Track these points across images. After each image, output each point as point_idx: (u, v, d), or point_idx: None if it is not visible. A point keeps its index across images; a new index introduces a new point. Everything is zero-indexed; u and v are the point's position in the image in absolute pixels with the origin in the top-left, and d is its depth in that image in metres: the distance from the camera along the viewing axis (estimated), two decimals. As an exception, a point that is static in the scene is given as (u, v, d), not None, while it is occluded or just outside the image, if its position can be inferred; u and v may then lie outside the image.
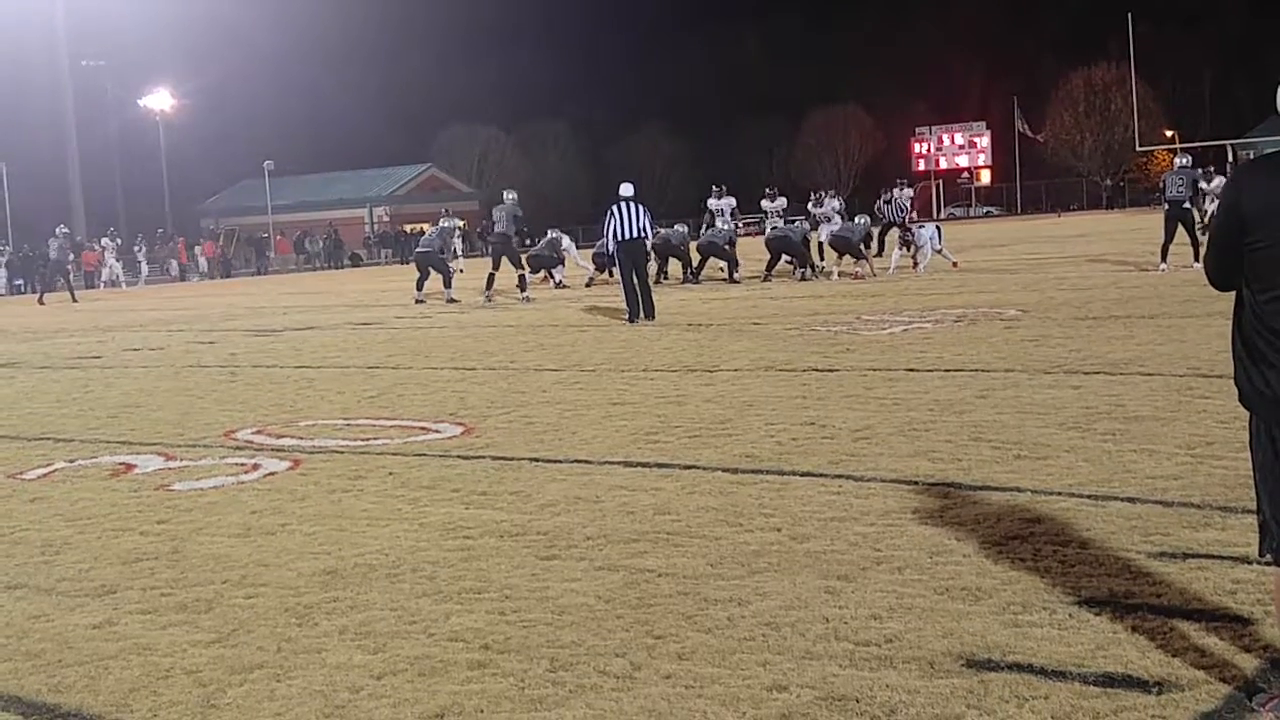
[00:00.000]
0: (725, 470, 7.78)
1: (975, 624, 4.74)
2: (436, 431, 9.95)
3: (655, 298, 19.56)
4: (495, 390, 12.24)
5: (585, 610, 5.20)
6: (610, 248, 19.60)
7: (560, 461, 8.43)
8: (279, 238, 71.41)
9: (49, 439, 10.76)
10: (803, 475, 7.49)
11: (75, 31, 72.09)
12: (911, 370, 11.68)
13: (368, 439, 9.81)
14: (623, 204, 18.79)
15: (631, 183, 19.45)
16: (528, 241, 43.91)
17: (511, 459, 8.62)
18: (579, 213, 78.74)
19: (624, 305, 19.22)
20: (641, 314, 18.59)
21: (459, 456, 8.84)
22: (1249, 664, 4.20)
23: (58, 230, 45.22)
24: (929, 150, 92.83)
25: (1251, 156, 35.16)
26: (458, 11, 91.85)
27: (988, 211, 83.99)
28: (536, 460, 8.52)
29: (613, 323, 19.21)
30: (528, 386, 12.39)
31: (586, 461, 8.35)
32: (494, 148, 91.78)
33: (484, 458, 8.72)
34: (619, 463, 8.24)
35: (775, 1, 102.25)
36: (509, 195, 26.07)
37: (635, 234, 18.64)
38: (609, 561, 5.90)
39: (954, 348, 13.19)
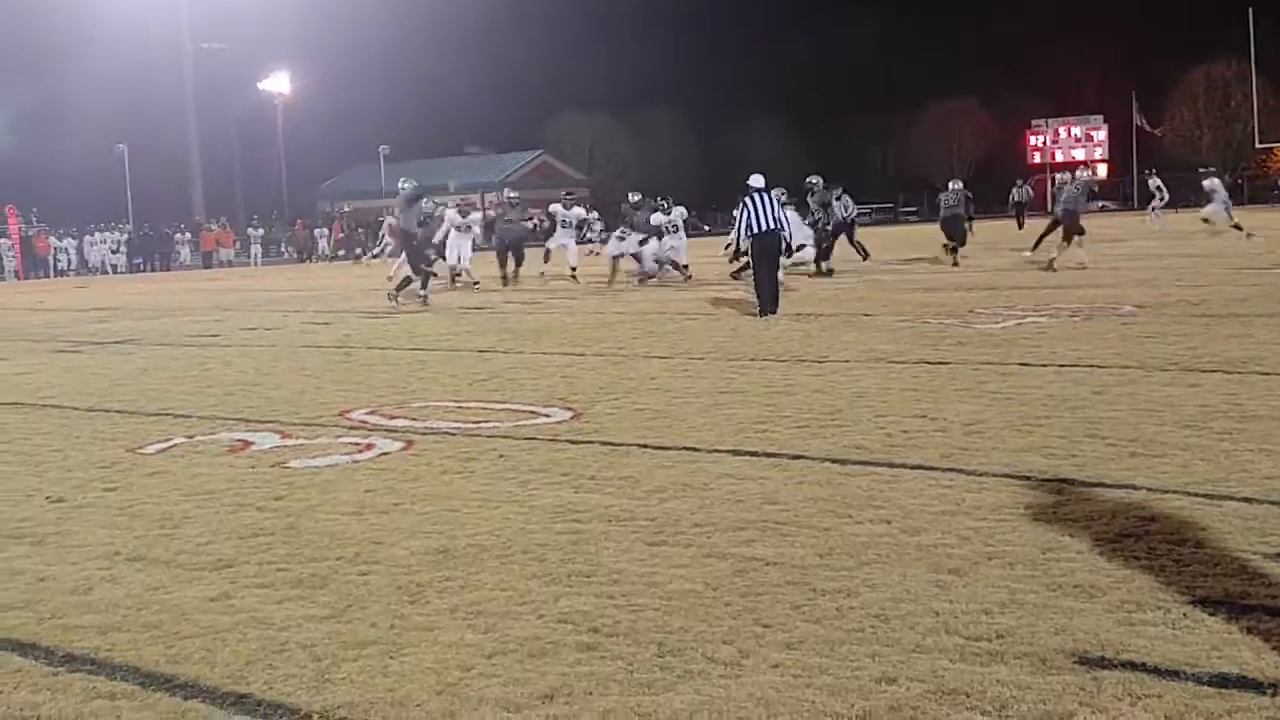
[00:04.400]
0: (834, 461, 7.74)
1: (1088, 621, 4.68)
2: (546, 416, 10.02)
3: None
4: (604, 376, 12.29)
5: (693, 597, 5.21)
6: (743, 240, 19.03)
7: (668, 448, 8.44)
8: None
9: (168, 415, 10.99)
10: (913, 468, 7.44)
11: (196, 16, 73.49)
12: (1025, 365, 11.54)
13: (478, 422, 9.90)
14: (756, 195, 18.33)
15: (762, 174, 18.81)
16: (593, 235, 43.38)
17: (620, 445, 8.65)
18: (688, 201, 78.62)
19: (754, 297, 18.53)
20: (770, 309, 17.92)
21: (568, 441, 8.89)
22: (1371, 670, 4.10)
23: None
24: (1044, 144, 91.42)
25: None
26: (566, 1, 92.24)
27: (1102, 206, 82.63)
28: (645, 447, 8.55)
29: (721, 311, 19.18)
30: (636, 373, 12.43)
31: (694, 449, 8.36)
32: (604, 135, 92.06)
33: (593, 443, 8.77)
34: (727, 451, 8.23)
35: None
36: (405, 184, 23.55)
37: (770, 225, 18.05)
38: (716, 549, 5.90)
39: (1069, 343, 13.00)
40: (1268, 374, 10.23)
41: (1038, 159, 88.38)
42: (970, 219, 29.98)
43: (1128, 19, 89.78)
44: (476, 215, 25.69)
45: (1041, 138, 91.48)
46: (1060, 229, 25.45)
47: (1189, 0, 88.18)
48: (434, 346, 16.08)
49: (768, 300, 17.94)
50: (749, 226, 18.02)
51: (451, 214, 27.06)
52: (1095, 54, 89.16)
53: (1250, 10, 67.42)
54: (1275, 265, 22.09)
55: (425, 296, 23.16)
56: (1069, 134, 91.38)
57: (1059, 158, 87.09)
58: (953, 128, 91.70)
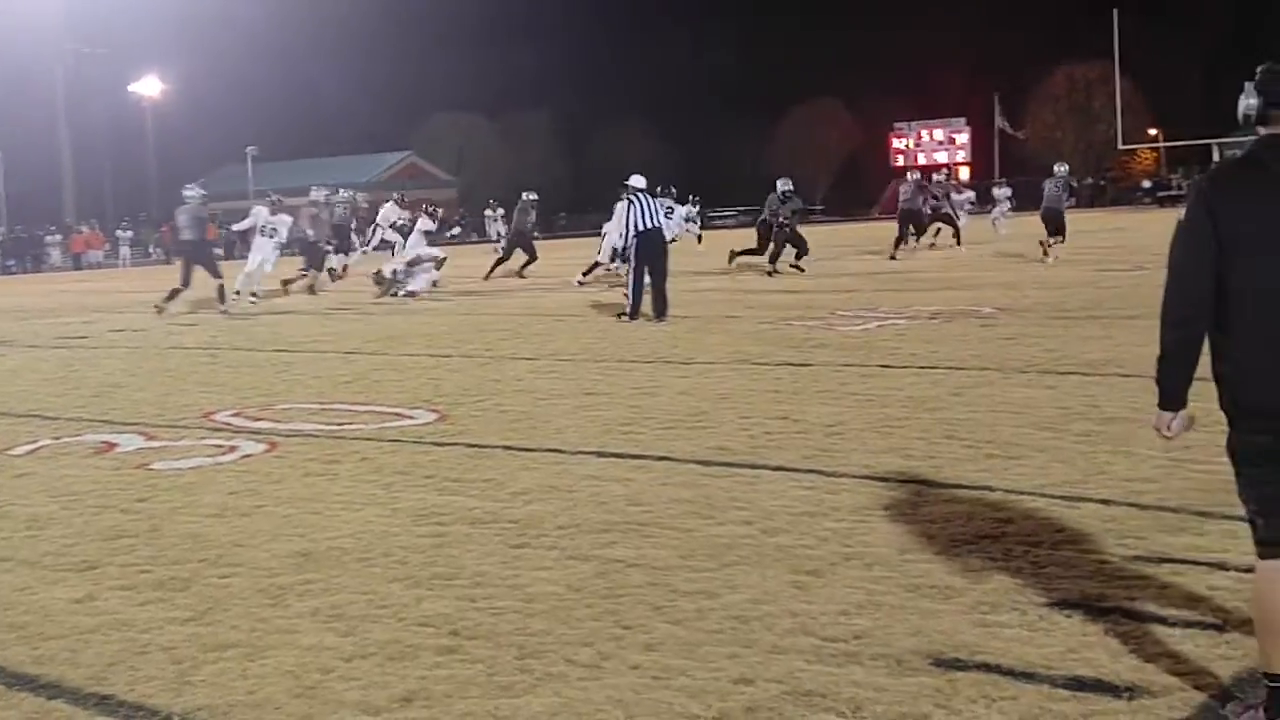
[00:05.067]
0: (698, 462, 7.78)
1: (944, 622, 4.75)
2: (410, 418, 9.94)
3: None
4: (470, 378, 12.23)
5: (555, 599, 5.20)
6: (629, 239, 18.19)
7: (533, 450, 8.42)
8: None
9: (36, 416, 10.86)
10: (775, 469, 7.50)
11: (69, 20, 72.15)
12: (885, 367, 11.70)
13: (343, 424, 9.81)
14: (639, 195, 18.06)
15: (642, 174, 18.58)
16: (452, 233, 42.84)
17: (484, 447, 8.61)
18: (558, 203, 78.72)
19: (630, 299, 17.81)
20: (654, 313, 17.41)
21: (432, 443, 8.83)
22: (1223, 671, 4.21)
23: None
24: (908, 146, 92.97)
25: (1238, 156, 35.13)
26: (442, 2, 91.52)
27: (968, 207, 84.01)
28: (509, 448, 8.52)
29: (590, 314, 19.19)
30: (502, 375, 12.39)
31: (559, 451, 8.35)
32: (475, 137, 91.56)
33: (457, 445, 8.72)
34: (592, 453, 8.24)
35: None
36: (191, 192, 22.66)
37: (655, 224, 17.80)
38: (579, 551, 5.90)
39: (928, 345, 13.22)
40: (1126, 376, 10.47)
41: (901, 161, 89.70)
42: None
43: (991, 21, 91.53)
44: (286, 218, 23.74)
45: (905, 140, 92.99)
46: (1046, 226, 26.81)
47: (1052, 2, 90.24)
48: (299, 348, 15.87)
49: (639, 302, 17.62)
50: (635, 225, 17.80)
51: (260, 210, 24.11)
52: (959, 56, 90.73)
53: (1115, 11, 68.80)
54: (1135, 267, 22.68)
55: (225, 309, 21.84)
56: (932, 136, 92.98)
57: (922, 160, 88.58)
58: (818, 130, 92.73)
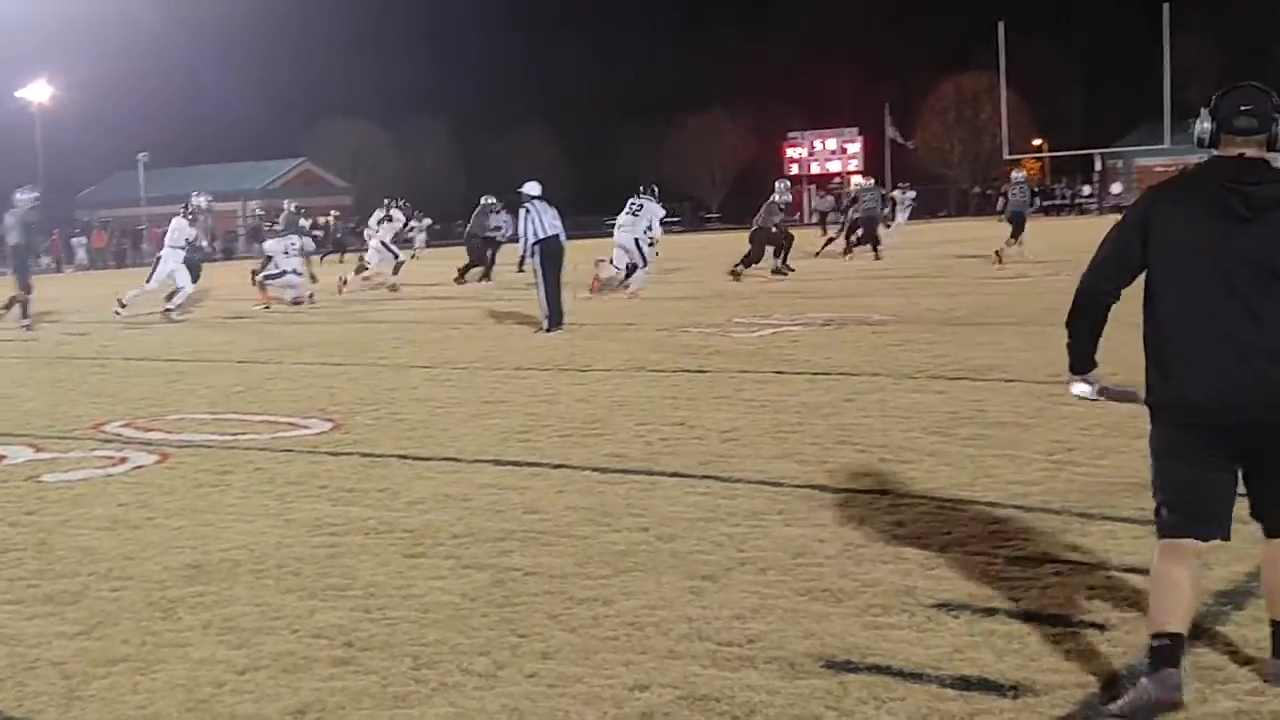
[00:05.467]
0: (595, 470, 7.81)
1: (836, 625, 4.82)
2: (305, 427, 9.86)
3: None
4: (365, 386, 12.14)
5: (450, 608, 5.19)
6: (528, 247, 17.74)
7: (429, 459, 8.40)
8: (156, 230, 69.98)
9: (-81, 429, 10.55)
10: (671, 476, 7.55)
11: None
12: (780, 373, 11.82)
13: (235, 434, 9.70)
14: (536, 203, 17.85)
15: (538, 181, 18.24)
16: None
17: (380, 456, 8.57)
18: (455, 211, 78.27)
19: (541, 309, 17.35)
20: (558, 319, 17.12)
21: (327, 453, 8.77)
22: (1104, 669, 4.31)
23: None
24: (802, 155, 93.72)
25: (1119, 167, 36.11)
26: (336, 6, 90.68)
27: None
28: (405, 457, 8.48)
29: (487, 322, 19.13)
30: (398, 383, 12.32)
31: (456, 459, 8.33)
32: (368, 143, 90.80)
33: (352, 454, 8.67)
34: (489, 461, 8.23)
35: (652, 6, 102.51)
36: (23, 195, 21.67)
37: (552, 231, 17.42)
38: (475, 560, 5.89)
39: (822, 351, 13.36)
40: (1011, 381, 10.68)
41: (795, 170, 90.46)
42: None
43: (882, 32, 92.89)
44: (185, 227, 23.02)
45: (799, 149, 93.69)
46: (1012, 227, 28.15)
47: (941, 14, 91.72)
48: (191, 358, 15.65)
49: (555, 311, 17.18)
50: (534, 233, 17.50)
51: (180, 222, 22.62)
52: (851, 67, 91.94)
53: (1001, 25, 70.32)
54: (1020, 275, 23.10)
55: (28, 325, 20.88)
56: (824, 146, 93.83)
57: (815, 169, 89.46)
58: (713, 139, 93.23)
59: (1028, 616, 4.84)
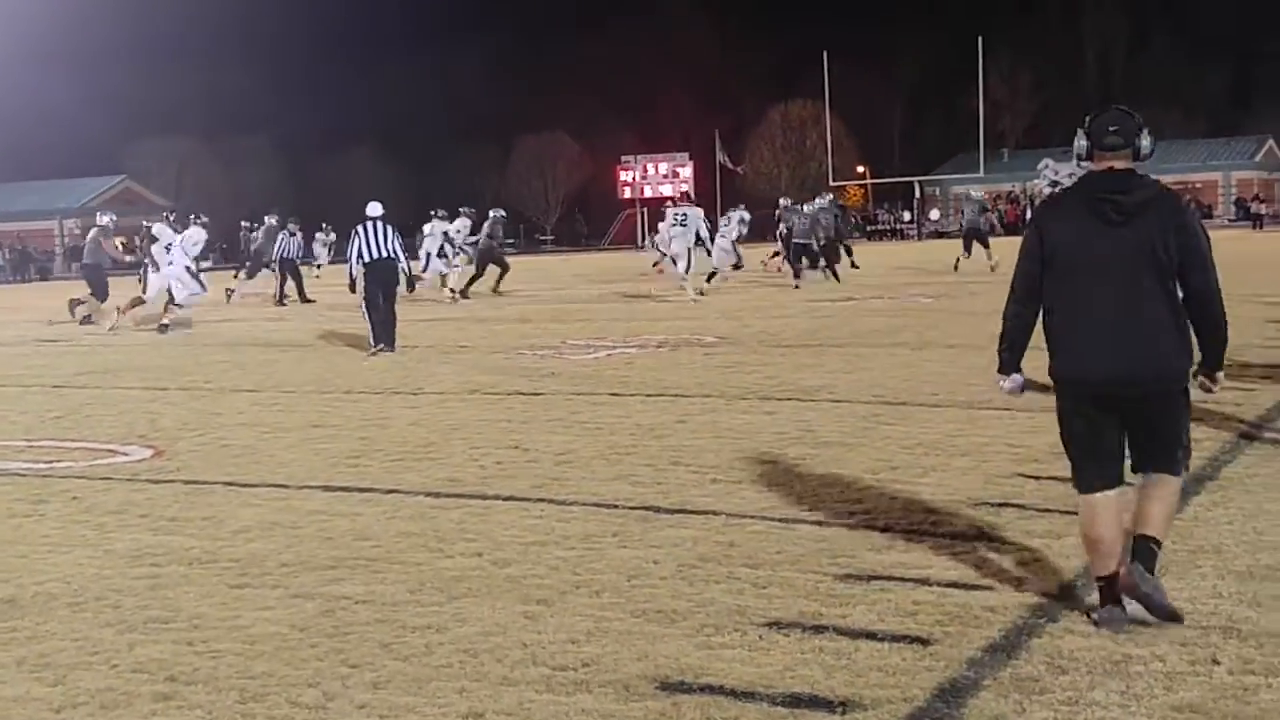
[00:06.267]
0: (428, 495, 7.73)
1: (670, 646, 4.83)
2: (125, 454, 9.58)
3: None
4: (189, 411, 11.84)
5: (278, 640, 5.07)
6: (353, 268, 17.48)
7: (255, 486, 8.22)
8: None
9: None
10: (505, 499, 7.51)
11: None
12: (615, 395, 11.85)
13: (51, 461, 9.38)
14: (370, 224, 17.63)
15: (380, 202, 18.19)
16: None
17: (204, 483, 8.36)
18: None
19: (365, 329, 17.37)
20: (378, 341, 16.95)
21: (148, 480, 8.52)
22: (928, 682, 4.39)
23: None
24: (635, 179, 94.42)
25: (937, 194, 37.28)
26: (156, 22, 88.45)
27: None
28: (230, 484, 8.29)
29: (318, 344, 18.83)
30: (224, 408, 12.04)
31: (284, 486, 8.17)
32: (193, 160, 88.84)
33: (175, 482, 8.44)
34: (318, 487, 8.08)
35: (489, 26, 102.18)
36: None
37: (384, 254, 17.22)
38: (304, 589, 5.78)
39: (655, 373, 13.44)
40: (838, 401, 10.87)
41: (628, 194, 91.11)
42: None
43: (713, 60, 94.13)
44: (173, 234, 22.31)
45: (632, 173, 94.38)
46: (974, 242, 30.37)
47: (769, 43, 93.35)
48: (3, 382, 15.09)
49: (381, 332, 17.04)
50: (359, 255, 17.32)
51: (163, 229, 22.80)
52: (683, 93, 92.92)
53: (825, 54, 72.41)
54: (846, 298, 23.55)
55: None
56: (657, 170, 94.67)
57: (648, 193, 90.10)
58: (548, 161, 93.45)
59: (855, 633, 4.91)
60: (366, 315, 17.19)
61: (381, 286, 17.13)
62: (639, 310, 23.33)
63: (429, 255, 29.42)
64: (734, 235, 29.14)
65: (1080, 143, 4.96)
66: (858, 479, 7.67)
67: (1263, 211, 69.63)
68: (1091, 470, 4.95)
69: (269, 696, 4.47)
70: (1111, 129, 4.89)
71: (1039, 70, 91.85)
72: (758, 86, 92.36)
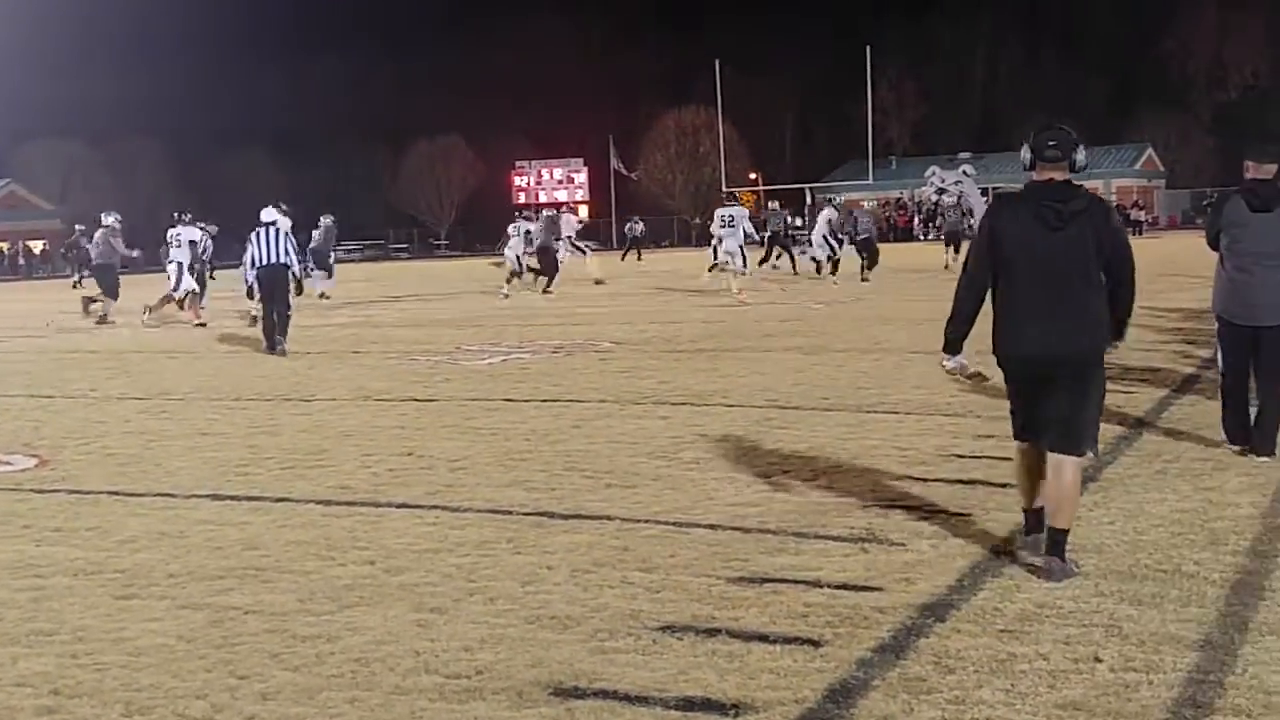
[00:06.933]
0: (319, 502, 7.65)
1: (564, 652, 4.83)
2: (7, 464, 9.36)
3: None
4: (74, 420, 11.60)
5: (165, 651, 4.99)
6: (248, 275, 17.97)
7: (142, 495, 8.08)
8: None
9: None
10: (399, 507, 7.46)
11: None
12: (510, 400, 11.82)
13: (-72, 472, 9.13)
14: (263, 229, 17.64)
15: (276, 206, 18.23)
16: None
17: (89, 493, 8.20)
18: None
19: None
20: (269, 345, 17.26)
21: (31, 490, 8.34)
22: (818, 684, 4.44)
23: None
24: (529, 184, 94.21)
25: (830, 200, 37.73)
26: (43, 24, 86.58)
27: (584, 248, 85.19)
28: (116, 494, 8.14)
29: (206, 350, 18.56)
30: (110, 416, 11.81)
31: (171, 495, 8.04)
32: (79, 164, 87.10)
33: (59, 491, 8.27)
34: (206, 496, 7.97)
35: (383, 29, 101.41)
36: None
37: (274, 259, 17.46)
38: (192, 600, 5.69)
39: (550, 378, 13.42)
40: (731, 406, 10.94)
41: (523, 199, 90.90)
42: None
43: (607, 65, 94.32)
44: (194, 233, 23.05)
45: (526, 178, 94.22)
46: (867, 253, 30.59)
47: (661, 51, 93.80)
48: (-122, 390, 14.66)
49: (272, 334, 17.28)
50: (253, 261, 17.55)
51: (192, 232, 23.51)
52: (577, 98, 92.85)
53: (717, 62, 73.07)
54: (740, 305, 23.68)
55: None
56: (551, 175, 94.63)
57: (543, 198, 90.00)
58: (440, 165, 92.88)
59: (748, 636, 4.95)
60: (263, 318, 17.56)
61: (270, 289, 17.35)
62: (534, 315, 23.28)
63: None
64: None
65: (1025, 155, 5.70)
66: (750, 483, 7.74)
67: (1142, 218, 71.24)
68: (1018, 424, 5.90)
69: (156, 709, 4.40)
70: (1051, 144, 5.61)
71: (926, 78, 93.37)
72: (652, 93, 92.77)
